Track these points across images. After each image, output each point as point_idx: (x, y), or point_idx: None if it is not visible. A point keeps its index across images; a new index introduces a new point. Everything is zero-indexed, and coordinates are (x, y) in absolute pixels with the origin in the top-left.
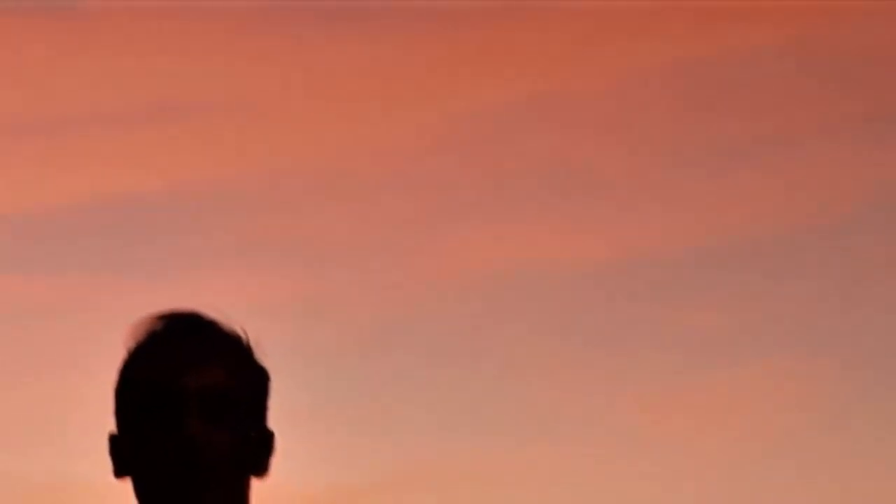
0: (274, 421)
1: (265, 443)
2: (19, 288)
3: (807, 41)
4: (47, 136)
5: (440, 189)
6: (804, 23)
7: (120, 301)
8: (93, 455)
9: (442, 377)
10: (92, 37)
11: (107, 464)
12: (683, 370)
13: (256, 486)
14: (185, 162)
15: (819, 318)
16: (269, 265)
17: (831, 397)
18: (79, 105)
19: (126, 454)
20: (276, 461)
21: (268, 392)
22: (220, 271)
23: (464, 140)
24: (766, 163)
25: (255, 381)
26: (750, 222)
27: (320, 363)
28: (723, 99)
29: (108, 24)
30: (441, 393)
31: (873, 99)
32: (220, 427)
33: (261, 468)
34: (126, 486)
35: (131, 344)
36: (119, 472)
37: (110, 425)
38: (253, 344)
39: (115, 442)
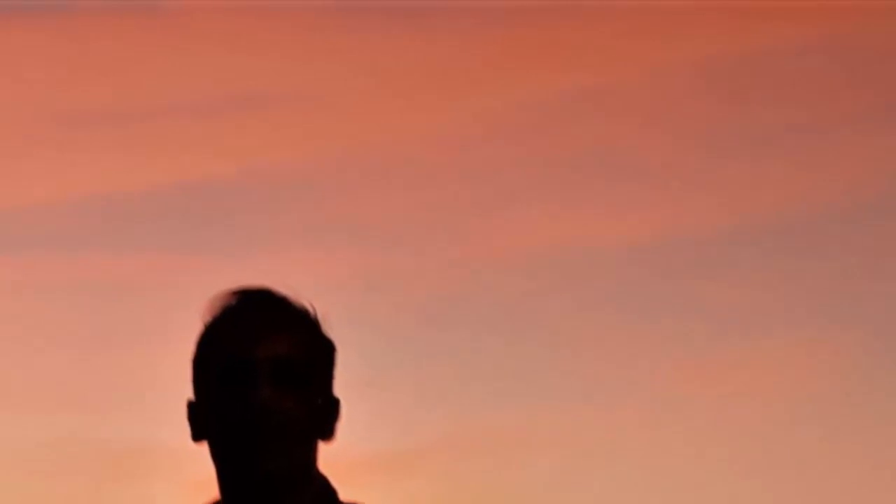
0: (339, 388)
1: (331, 409)
2: (107, 265)
3: (833, 38)
4: (131, 125)
5: (493, 173)
6: (830, 21)
7: (197, 278)
8: (173, 420)
9: (493, 348)
10: (173, 33)
11: (185, 428)
12: (717, 340)
13: (323, 449)
14: (257, 149)
15: (843, 293)
16: (335, 244)
17: (853, 366)
18: (161, 97)
19: (203, 419)
20: (341, 426)
21: (333, 362)
22: (289, 250)
23: (515, 128)
24: (794, 150)
25: (321, 352)
26: (779, 204)
27: (382, 335)
28: (754, 91)
29: (187, 21)
30: (493, 362)
31: (894, 91)
32: (289, 394)
33: (327, 432)
34: (203, 449)
35: (207, 318)
36: (196, 436)
37: (188, 393)
38: (320, 317)
39: (192, 408)
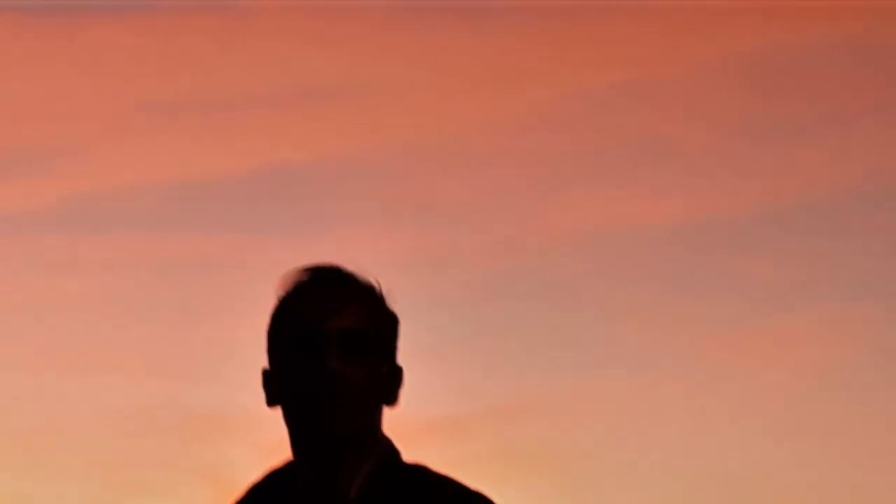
0: (402, 358)
1: (395, 377)
2: (190, 244)
3: (858, 35)
4: (211, 115)
5: (546, 159)
6: (856, 20)
7: (272, 256)
8: (250, 387)
9: (546, 320)
10: (249, 30)
11: (261, 395)
12: (751, 314)
13: (387, 413)
14: (327, 137)
15: (867, 270)
16: (399, 225)
17: (878, 337)
18: (238, 88)
19: (276, 387)
20: (404, 392)
21: (397, 333)
22: (356, 230)
23: (566, 117)
24: (822, 138)
25: (386, 324)
26: (808, 187)
27: (442, 308)
28: (785, 84)
29: (262, 19)
30: (546, 333)
31: None
32: (356, 363)
33: (391, 398)
34: (277, 414)
35: (281, 292)
36: (271, 402)
37: (263, 362)
38: (384, 292)
39: (267, 376)
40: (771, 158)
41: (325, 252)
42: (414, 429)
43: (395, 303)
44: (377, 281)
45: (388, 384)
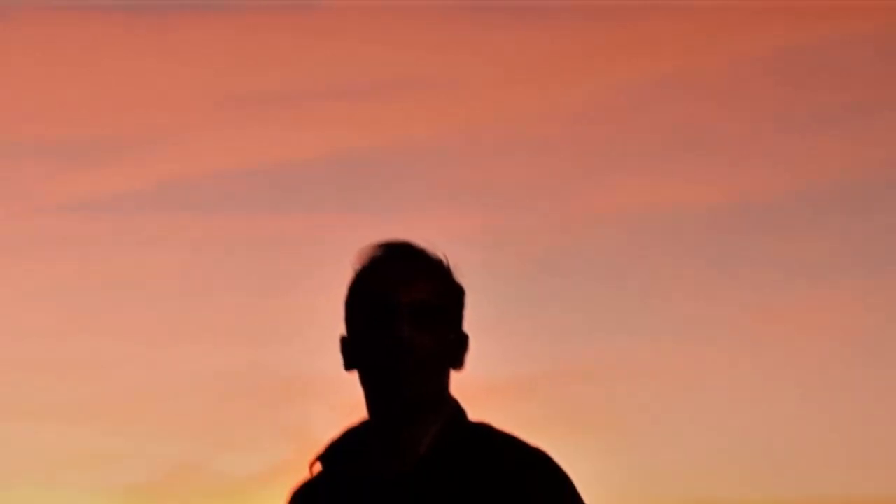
0: (468, 325)
1: (461, 343)
2: (275, 223)
3: (881, 32)
4: (291, 105)
5: (595, 146)
6: (879, 18)
7: (348, 234)
8: (329, 353)
9: (596, 291)
10: (327, 29)
11: (339, 360)
12: (783, 286)
13: (454, 376)
14: (397, 125)
15: (890, 245)
16: (464, 205)
17: None
18: (316, 81)
19: (353, 353)
20: (470, 357)
21: (463, 303)
22: (426, 210)
23: (613, 108)
24: (848, 125)
25: (453, 295)
26: (835, 171)
27: (503, 281)
28: (814, 76)
29: (340, 19)
30: (596, 304)
31: None
32: (425, 331)
33: (458, 363)
34: (353, 378)
35: (357, 266)
36: (348, 366)
37: (341, 330)
38: (451, 266)
39: (344, 343)
40: (801, 145)
41: (396, 229)
42: (478, 390)
43: (461, 276)
44: (444, 256)
45: (454, 350)
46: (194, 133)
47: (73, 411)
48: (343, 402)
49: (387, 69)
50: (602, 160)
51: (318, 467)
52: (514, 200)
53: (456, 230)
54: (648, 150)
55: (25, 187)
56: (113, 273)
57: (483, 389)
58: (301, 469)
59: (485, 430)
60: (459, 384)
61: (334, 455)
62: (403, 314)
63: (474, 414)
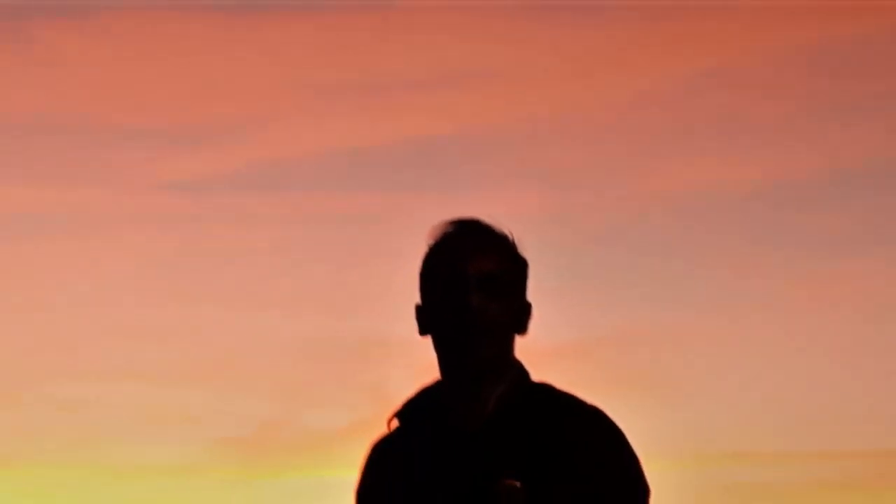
0: (531, 295)
1: (525, 311)
2: (355, 201)
3: None
4: (371, 94)
5: (647, 131)
6: None
7: (422, 211)
8: (405, 320)
9: (648, 264)
10: (404, 25)
11: (414, 326)
12: (818, 259)
13: (519, 341)
14: (467, 113)
15: None
16: (528, 185)
17: None
18: (394, 72)
19: (427, 319)
20: (533, 323)
21: (526, 274)
22: (493, 190)
23: (664, 97)
24: (876, 112)
25: (517, 267)
26: (864, 153)
27: (563, 254)
28: (845, 67)
29: (415, 15)
30: (647, 275)
31: None
32: (492, 300)
33: (522, 328)
34: (427, 342)
35: (431, 241)
36: (422, 332)
37: (416, 298)
38: (516, 240)
39: (419, 310)
40: (833, 129)
41: (466, 207)
42: (541, 354)
43: (524, 249)
44: (510, 231)
45: (519, 317)
46: (282, 120)
47: (173, 372)
48: (417, 364)
49: (456, 62)
50: (653, 144)
51: (395, 423)
52: (573, 181)
53: (520, 208)
54: (695, 135)
55: (133, 169)
56: (209, 247)
57: (545, 353)
58: (379, 425)
59: (546, 390)
60: (523, 348)
61: (410, 412)
62: (472, 284)
63: (537, 375)
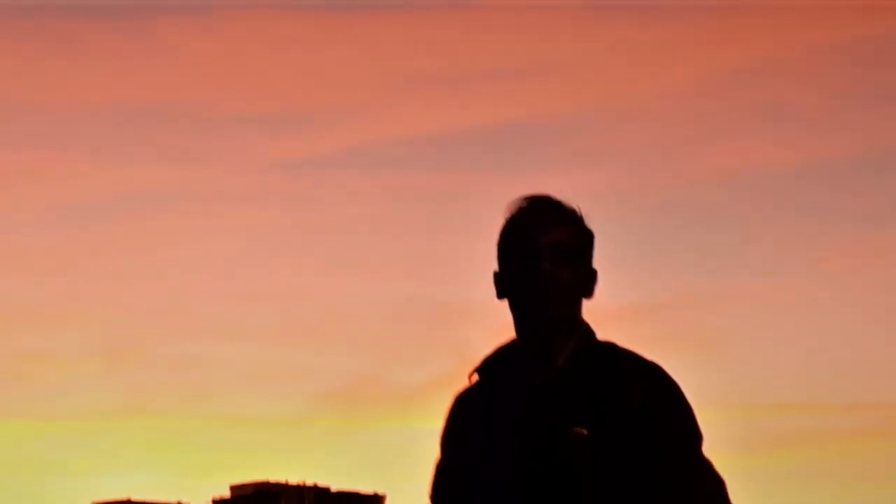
0: (597, 262)
1: (591, 277)
2: (441, 179)
3: None
4: (456, 84)
5: (700, 116)
6: None
7: (499, 188)
8: (484, 285)
9: (703, 236)
10: (485, 22)
11: (492, 290)
12: (856, 231)
13: (586, 304)
14: (539, 101)
15: None
16: (592, 165)
17: None
18: (475, 65)
19: (504, 284)
20: (598, 288)
21: (593, 245)
22: (561, 169)
23: (713, 86)
24: None
25: (585, 238)
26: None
27: (626, 227)
28: (879, 59)
29: (496, 14)
30: (703, 246)
31: None
32: (562, 267)
33: (588, 293)
34: (504, 305)
35: (507, 214)
36: (500, 295)
37: (494, 266)
38: (584, 214)
39: (497, 277)
40: (870, 115)
41: (538, 185)
42: (605, 315)
43: (591, 222)
44: (578, 206)
45: (586, 282)
46: (377, 107)
47: (278, 333)
48: (496, 325)
49: (530, 55)
50: (705, 129)
51: (475, 377)
52: (634, 161)
53: (587, 185)
54: (742, 120)
55: (244, 150)
56: (310, 219)
57: (609, 314)
58: (461, 379)
59: (611, 347)
60: (590, 310)
61: (488, 367)
62: (545, 253)
63: (602, 334)
